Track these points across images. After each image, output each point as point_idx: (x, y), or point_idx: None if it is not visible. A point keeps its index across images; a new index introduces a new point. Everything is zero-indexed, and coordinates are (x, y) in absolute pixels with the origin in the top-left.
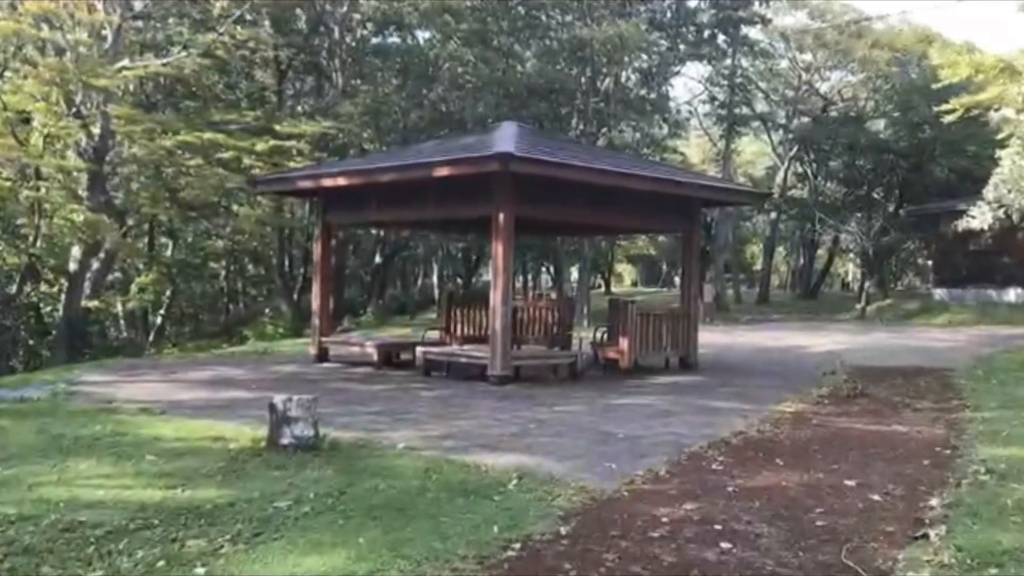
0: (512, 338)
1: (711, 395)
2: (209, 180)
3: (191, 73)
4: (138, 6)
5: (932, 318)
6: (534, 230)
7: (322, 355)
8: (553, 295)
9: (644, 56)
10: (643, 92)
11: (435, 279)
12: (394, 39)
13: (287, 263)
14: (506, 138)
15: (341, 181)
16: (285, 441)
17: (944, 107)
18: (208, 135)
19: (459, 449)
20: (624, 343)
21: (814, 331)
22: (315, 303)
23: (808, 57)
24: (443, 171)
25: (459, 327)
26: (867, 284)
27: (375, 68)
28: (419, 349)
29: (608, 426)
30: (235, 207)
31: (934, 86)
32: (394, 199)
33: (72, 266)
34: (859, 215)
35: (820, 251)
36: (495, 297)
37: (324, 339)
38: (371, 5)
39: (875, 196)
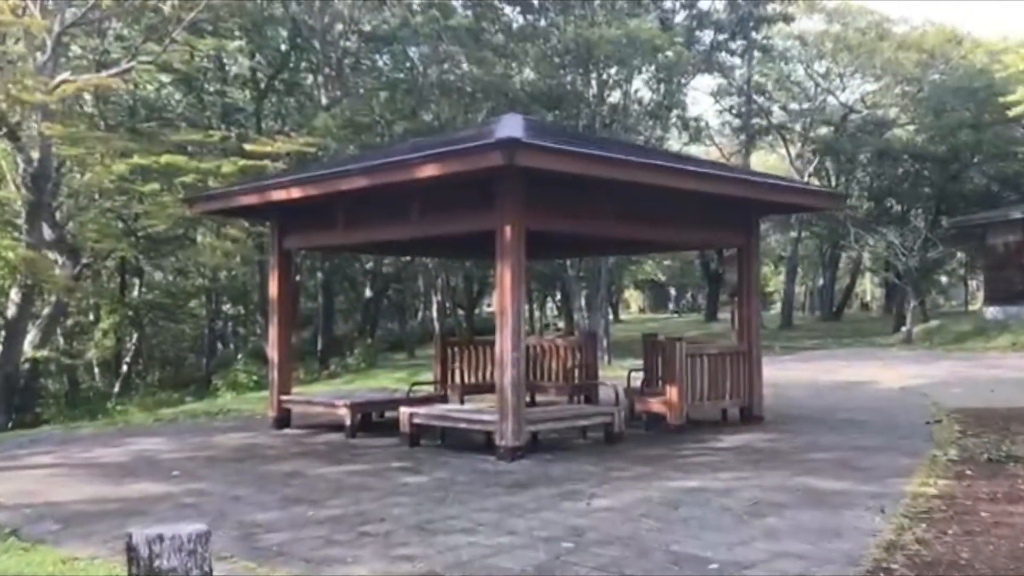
0: (525, 386)
1: (807, 467)
2: (168, 209)
3: (152, 92)
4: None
5: (990, 340)
6: (549, 249)
7: (283, 418)
8: (560, 324)
9: (659, 57)
10: (658, 96)
11: (434, 312)
12: (383, 60)
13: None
14: (511, 127)
15: (295, 193)
16: None
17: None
18: (166, 158)
19: None
20: (673, 393)
21: (866, 360)
22: (272, 352)
23: (827, 62)
24: (428, 170)
25: (457, 374)
26: (911, 304)
27: (360, 84)
28: (404, 410)
29: (685, 542)
30: (199, 239)
31: (975, 84)
32: (366, 214)
33: (11, 311)
34: (894, 228)
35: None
36: (502, 341)
37: (285, 398)
38: (354, 14)
39: (907, 208)
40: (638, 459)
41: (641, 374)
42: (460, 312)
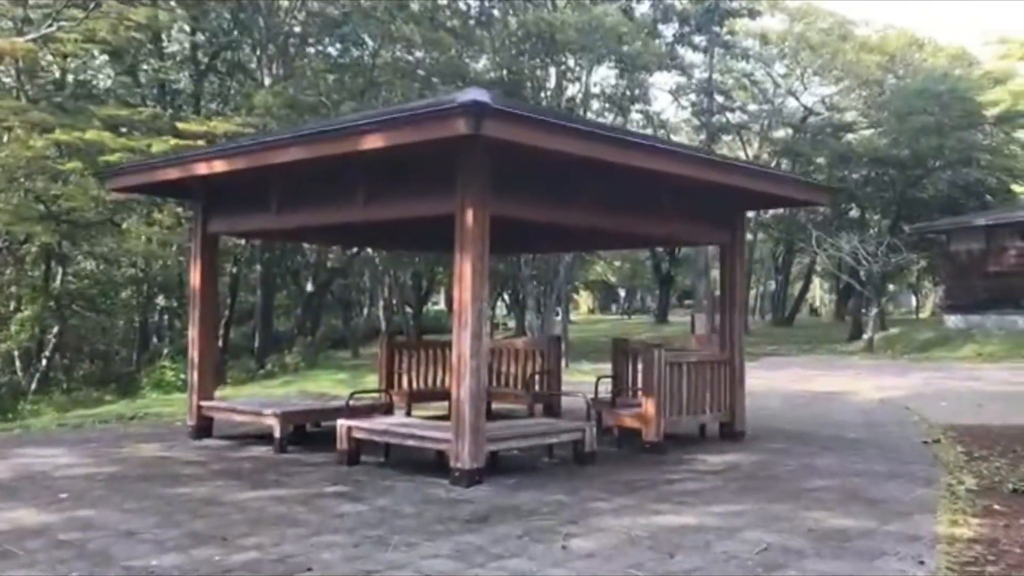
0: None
1: (812, 498)
2: (91, 191)
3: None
4: None
5: (955, 350)
6: (510, 243)
7: (203, 427)
8: (510, 324)
9: (623, 47)
10: (620, 88)
11: (381, 309)
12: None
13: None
14: (475, 95)
15: (219, 166)
16: None
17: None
18: (91, 133)
19: None
20: (649, 406)
21: (833, 369)
22: (192, 351)
23: (788, 62)
24: (377, 140)
25: (405, 379)
26: (873, 311)
27: (307, 65)
28: (342, 423)
29: None
30: (125, 224)
31: (939, 87)
32: (304, 195)
33: None
34: (854, 233)
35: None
36: (459, 345)
37: (206, 404)
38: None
39: (866, 213)
40: (615, 485)
41: (610, 382)
42: (408, 310)
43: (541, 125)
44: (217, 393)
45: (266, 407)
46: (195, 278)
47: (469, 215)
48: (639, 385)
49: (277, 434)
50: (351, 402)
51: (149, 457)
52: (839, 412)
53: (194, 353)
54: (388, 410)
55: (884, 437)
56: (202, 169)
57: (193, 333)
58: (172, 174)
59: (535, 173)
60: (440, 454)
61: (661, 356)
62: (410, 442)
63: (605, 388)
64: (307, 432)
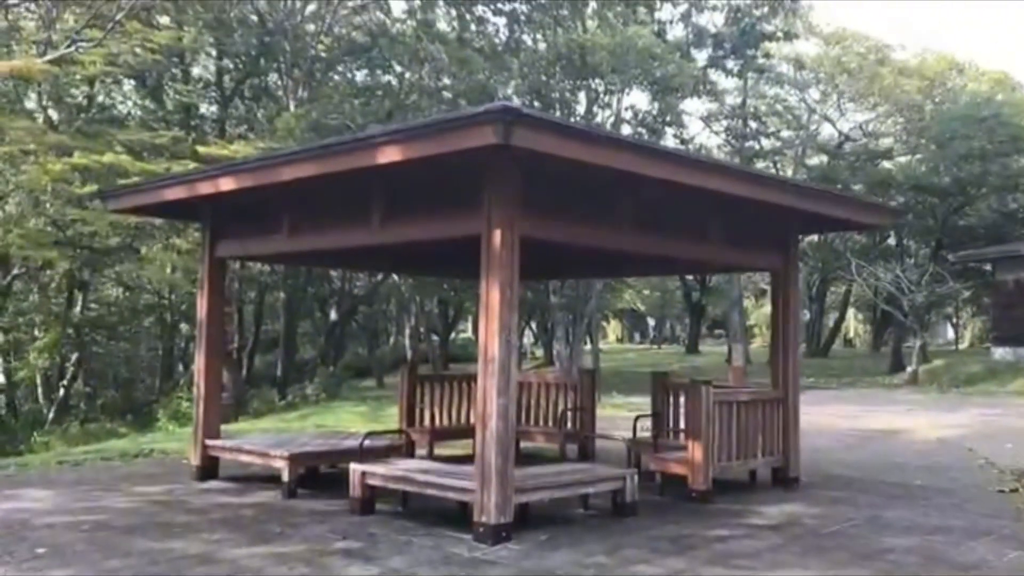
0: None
1: (891, 563)
2: (108, 216)
3: (104, 91)
4: None
5: (1004, 384)
6: (541, 267)
7: (208, 468)
8: (538, 353)
9: (656, 71)
10: (653, 111)
11: (407, 337)
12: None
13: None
14: (504, 103)
15: (226, 184)
16: None
17: None
18: (109, 156)
19: None
20: (697, 451)
21: (880, 404)
22: (198, 383)
23: (823, 87)
24: (394, 152)
25: (427, 414)
26: (916, 343)
27: (333, 89)
28: (356, 468)
29: None
30: (144, 250)
31: (983, 112)
32: (317, 216)
33: None
34: (895, 262)
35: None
36: (485, 382)
37: (211, 443)
38: (327, 15)
39: (906, 241)
40: (661, 543)
41: (648, 420)
42: (435, 338)
43: (578, 135)
44: (235, 426)
45: (275, 447)
46: (202, 305)
47: (497, 237)
48: (682, 425)
49: (285, 477)
50: (367, 442)
51: (145, 503)
52: (896, 454)
53: (200, 386)
54: (408, 451)
55: (953, 484)
56: (207, 188)
57: (199, 364)
58: (176, 193)
59: (570, 191)
60: (462, 505)
61: (709, 395)
62: (430, 491)
63: (642, 425)
64: (320, 473)
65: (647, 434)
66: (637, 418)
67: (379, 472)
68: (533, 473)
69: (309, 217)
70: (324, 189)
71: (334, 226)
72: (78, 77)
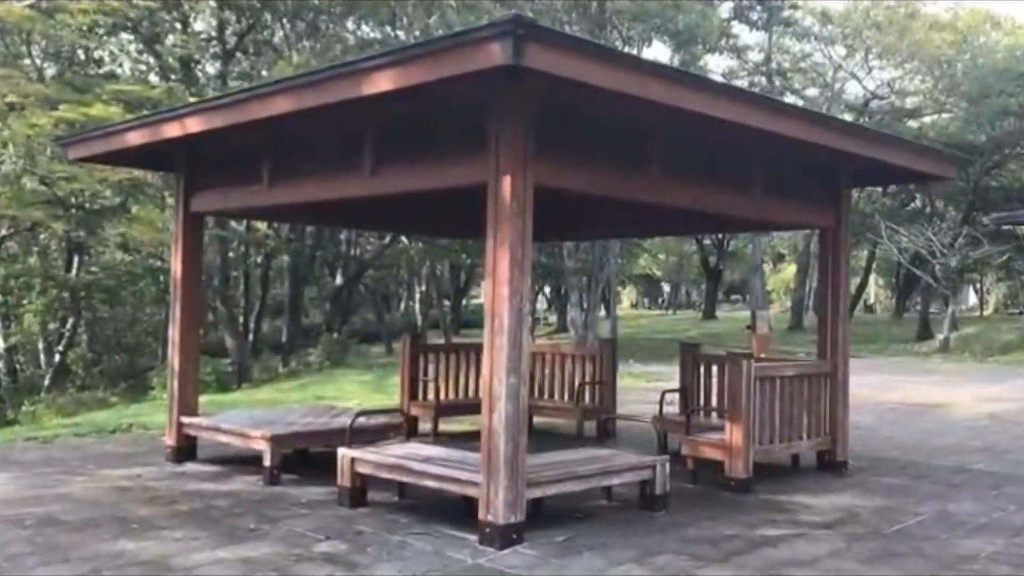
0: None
1: (973, 574)
2: (96, 173)
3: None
4: None
5: None
6: (555, 225)
7: (184, 449)
8: (551, 319)
9: (680, 19)
10: (675, 63)
11: (417, 302)
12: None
13: (238, 283)
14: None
15: (195, 125)
16: None
17: None
18: (96, 109)
19: None
20: (737, 433)
21: (915, 373)
22: (173, 355)
23: (850, 42)
24: (385, 81)
25: (431, 388)
26: (950, 309)
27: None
28: (344, 453)
29: None
30: (135, 209)
31: (1022, 67)
32: (300, 164)
33: None
34: (926, 224)
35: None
36: (493, 359)
37: (187, 420)
38: None
39: (935, 203)
40: (700, 546)
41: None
42: (446, 303)
43: (605, 56)
44: (230, 396)
45: (256, 427)
46: (176, 266)
47: (506, 185)
48: (714, 403)
49: (267, 461)
50: (361, 421)
51: (107, 490)
52: (945, 431)
53: (174, 357)
54: (410, 428)
55: (1019, 470)
56: (174, 130)
57: (174, 333)
58: (140, 137)
59: (592, 132)
60: (468, 501)
61: (750, 370)
62: (428, 483)
63: (666, 400)
64: (310, 453)
65: (674, 410)
66: (664, 393)
67: (370, 459)
68: (549, 462)
69: (291, 165)
70: (307, 132)
71: (319, 175)
72: (72, 28)
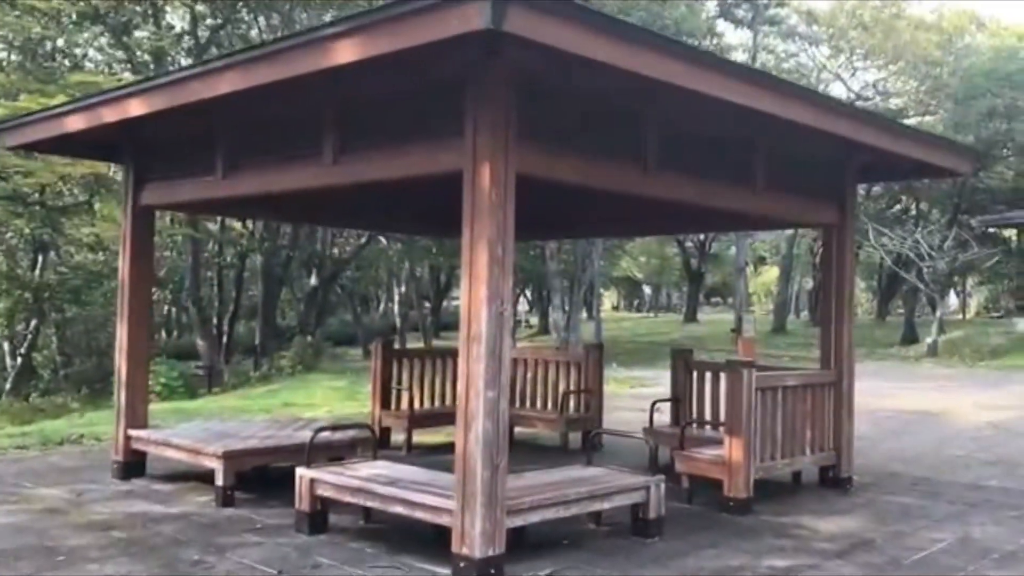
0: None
1: None
2: (56, 166)
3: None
4: None
5: None
6: (543, 223)
7: (132, 464)
8: (532, 321)
9: (665, 13)
10: None
11: (396, 304)
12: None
13: (211, 284)
14: None
15: (137, 108)
16: None
17: None
18: (59, 100)
19: None
20: (736, 449)
21: (907, 379)
22: (120, 361)
23: (835, 42)
24: (346, 52)
25: (404, 397)
26: (938, 313)
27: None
28: (303, 473)
29: None
30: (98, 206)
31: (1009, 67)
32: (255, 150)
33: None
34: (913, 227)
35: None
36: (471, 368)
37: (135, 434)
38: None
39: (920, 205)
40: None
41: (666, 406)
42: (426, 305)
43: (598, 22)
44: (193, 403)
45: (208, 442)
46: (123, 267)
47: (485, 173)
48: (707, 415)
49: (219, 481)
50: (325, 435)
51: (39, 513)
52: (950, 442)
53: (121, 364)
54: (381, 440)
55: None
56: (114, 114)
57: (121, 336)
58: (78, 123)
59: (581, 116)
60: (437, 529)
61: (751, 380)
62: (397, 508)
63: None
64: (270, 469)
65: (665, 419)
66: (655, 403)
67: (331, 481)
68: (531, 485)
69: (247, 154)
70: (263, 116)
71: (277, 164)
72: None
